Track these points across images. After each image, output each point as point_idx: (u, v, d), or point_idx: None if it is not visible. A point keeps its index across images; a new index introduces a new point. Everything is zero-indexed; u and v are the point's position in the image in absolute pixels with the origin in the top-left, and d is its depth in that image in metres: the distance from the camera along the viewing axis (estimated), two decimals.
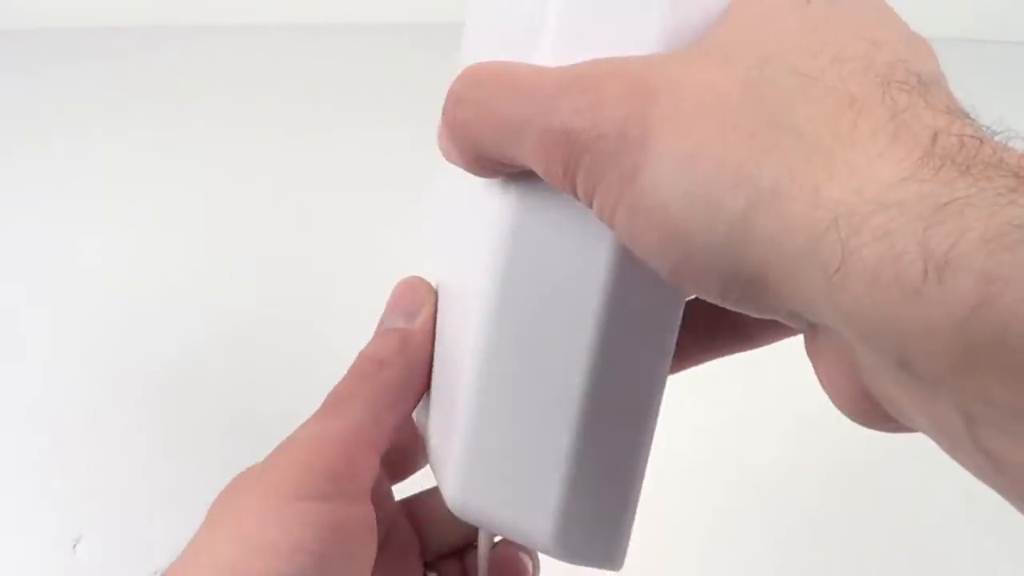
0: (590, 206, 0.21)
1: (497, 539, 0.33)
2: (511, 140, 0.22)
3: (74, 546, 0.53)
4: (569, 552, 0.26)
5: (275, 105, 0.78)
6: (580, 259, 0.24)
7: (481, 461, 0.27)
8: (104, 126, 0.76)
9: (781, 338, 0.28)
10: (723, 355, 0.29)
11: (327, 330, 0.63)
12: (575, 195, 0.21)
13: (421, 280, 0.31)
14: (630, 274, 0.23)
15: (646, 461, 0.26)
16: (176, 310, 0.64)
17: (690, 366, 0.28)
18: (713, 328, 0.28)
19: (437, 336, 0.31)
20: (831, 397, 0.20)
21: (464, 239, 0.28)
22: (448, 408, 0.28)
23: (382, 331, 0.31)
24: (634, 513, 0.27)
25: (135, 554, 0.53)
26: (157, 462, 0.57)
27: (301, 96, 0.79)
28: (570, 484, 0.26)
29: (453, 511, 0.28)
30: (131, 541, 0.53)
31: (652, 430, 0.26)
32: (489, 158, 0.23)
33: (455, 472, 0.27)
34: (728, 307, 0.20)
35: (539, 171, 0.22)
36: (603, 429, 0.25)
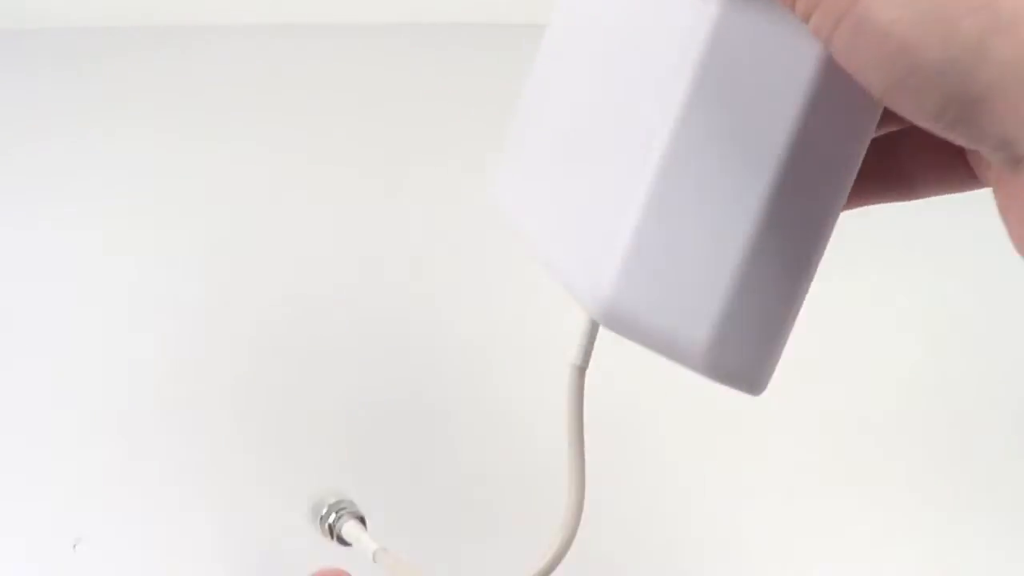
0: (806, 21, 0.22)
1: None
2: None
3: (74, 546, 0.53)
4: (718, 368, 0.26)
5: (275, 104, 0.78)
6: (784, 62, 0.24)
7: (644, 261, 0.26)
8: (104, 126, 0.76)
9: (941, 192, 0.28)
10: (883, 202, 0.29)
11: (325, 331, 0.64)
12: (791, 8, 0.22)
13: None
14: (832, 84, 0.24)
15: (809, 285, 0.26)
16: (175, 311, 0.64)
17: (852, 207, 0.28)
18: (880, 172, 0.29)
19: (550, 117, 0.30)
20: (1019, 245, 0.21)
21: (633, 30, 0.27)
22: (596, 202, 0.27)
23: None
24: (787, 338, 0.26)
25: (135, 554, 0.53)
26: (157, 462, 0.57)
27: (302, 95, 0.79)
28: (736, 292, 0.25)
29: (596, 315, 0.27)
30: (131, 541, 0.53)
31: (822, 252, 0.26)
32: None
33: (609, 272, 0.26)
34: (935, 130, 0.21)
35: None
36: (779, 238, 0.25)
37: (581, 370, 0.32)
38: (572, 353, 0.32)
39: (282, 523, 0.55)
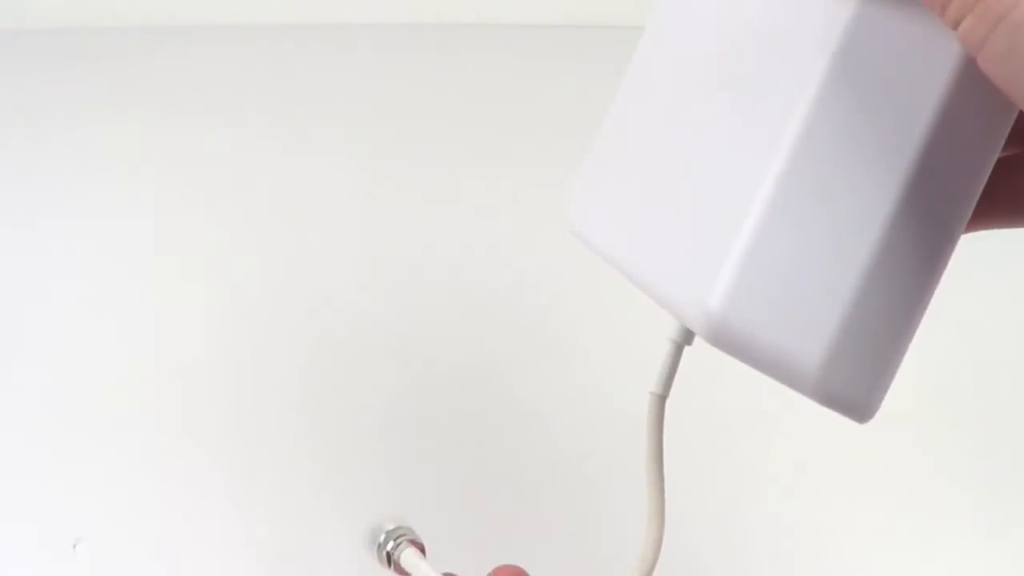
0: (954, 26, 0.22)
1: None
2: None
3: (74, 546, 0.53)
4: (828, 390, 0.25)
5: (277, 104, 0.78)
6: (919, 68, 0.23)
7: (758, 273, 0.25)
8: (105, 125, 0.76)
9: None
10: (998, 226, 0.29)
11: (323, 329, 0.64)
12: (940, 14, 0.22)
13: None
14: (967, 93, 0.23)
15: (926, 307, 0.25)
16: (174, 312, 0.64)
17: (968, 231, 0.28)
18: (998, 196, 0.28)
19: (645, 125, 0.30)
20: None
21: (752, 32, 0.27)
22: (704, 212, 0.26)
23: None
24: (900, 364, 0.25)
25: (135, 554, 0.53)
26: (157, 462, 0.57)
27: (306, 97, 0.79)
28: (854, 310, 0.24)
29: (703, 332, 0.26)
30: (131, 541, 0.53)
31: (942, 272, 0.25)
32: None
33: (719, 285, 0.25)
34: None
35: None
36: (901, 254, 0.24)
37: (661, 399, 0.31)
38: (653, 380, 0.31)
39: (305, 526, 0.55)
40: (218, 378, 0.61)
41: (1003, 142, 0.25)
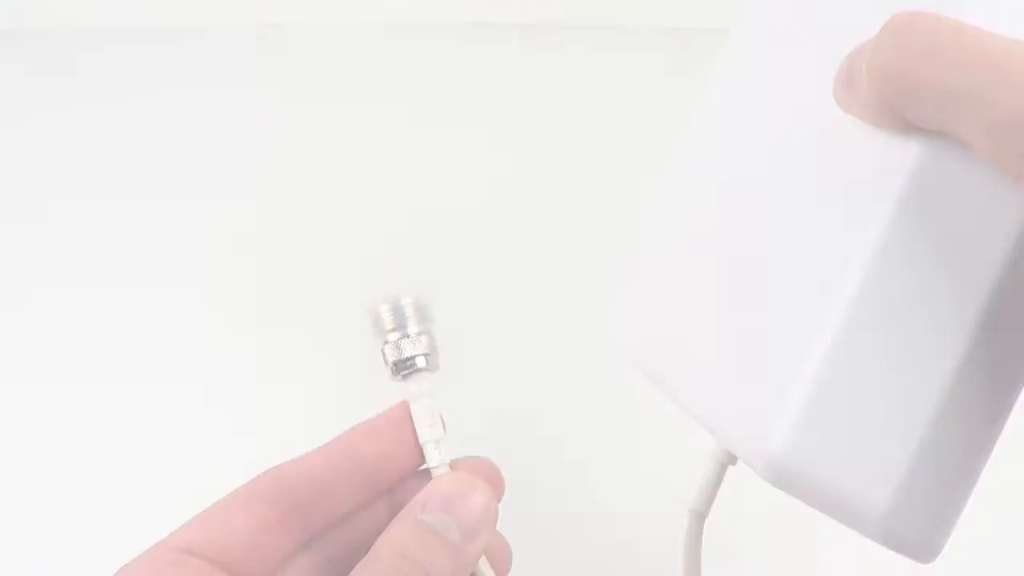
0: None
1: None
2: (948, 106, 0.21)
3: (77, 546, 0.53)
4: (893, 533, 0.25)
5: (279, 104, 0.78)
6: (983, 226, 0.23)
7: (821, 416, 0.24)
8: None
9: None
10: None
11: (317, 333, 0.63)
12: (1018, 181, 0.21)
13: (486, 491, 0.28)
14: None
15: (993, 447, 0.25)
16: (169, 306, 0.64)
17: None
18: None
19: (694, 255, 0.29)
20: None
21: (814, 170, 0.26)
22: (763, 347, 0.26)
23: (425, 528, 0.27)
24: (966, 505, 0.25)
25: (135, 554, 0.53)
26: (157, 461, 0.57)
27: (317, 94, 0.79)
28: (921, 455, 0.24)
29: (762, 472, 0.25)
30: (131, 541, 0.53)
31: (1010, 412, 0.25)
32: (906, 114, 0.23)
33: (781, 426, 0.25)
34: None
35: (978, 147, 0.21)
36: (971, 398, 0.24)
37: (701, 516, 0.31)
38: (692, 497, 0.31)
39: None
40: (222, 372, 0.61)
41: None
